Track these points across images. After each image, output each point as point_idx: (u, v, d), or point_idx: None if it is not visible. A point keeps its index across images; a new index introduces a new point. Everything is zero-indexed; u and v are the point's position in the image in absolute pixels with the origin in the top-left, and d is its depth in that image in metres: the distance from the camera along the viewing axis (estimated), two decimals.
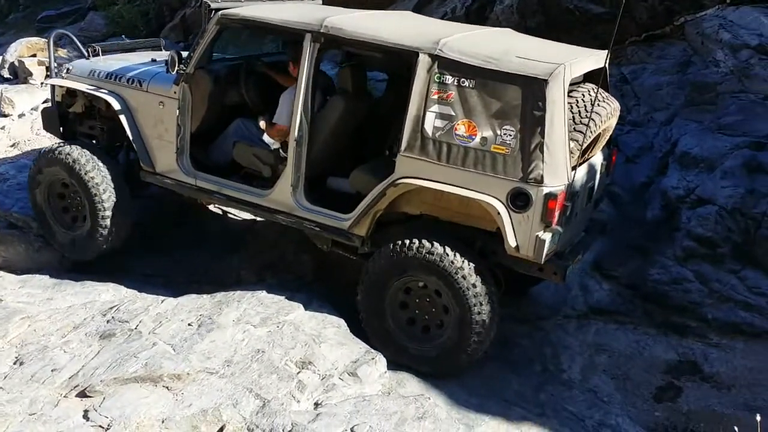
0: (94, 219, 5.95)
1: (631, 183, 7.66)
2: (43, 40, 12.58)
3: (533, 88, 4.54)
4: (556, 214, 4.62)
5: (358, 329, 5.29)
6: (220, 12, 5.52)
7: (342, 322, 5.23)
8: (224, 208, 7.36)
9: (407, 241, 5.00)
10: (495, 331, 5.10)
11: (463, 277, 4.87)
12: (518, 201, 4.64)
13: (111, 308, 5.25)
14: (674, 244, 6.61)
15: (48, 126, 6.57)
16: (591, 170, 5.33)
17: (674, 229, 6.73)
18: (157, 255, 6.69)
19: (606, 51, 4.80)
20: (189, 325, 4.98)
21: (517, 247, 4.72)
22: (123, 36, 7.52)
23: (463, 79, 4.71)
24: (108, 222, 5.96)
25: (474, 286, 4.88)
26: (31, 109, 9.68)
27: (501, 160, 4.65)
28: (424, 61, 4.81)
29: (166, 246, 6.79)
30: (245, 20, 5.50)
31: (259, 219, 7.39)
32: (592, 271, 6.69)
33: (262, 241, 6.85)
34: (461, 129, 4.73)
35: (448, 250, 4.90)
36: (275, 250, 6.67)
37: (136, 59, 6.41)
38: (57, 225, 6.22)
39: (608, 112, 5.08)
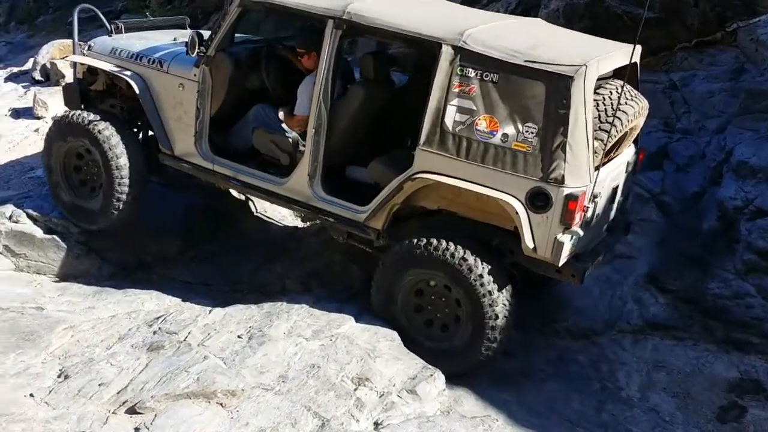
0: (108, 192, 5.89)
1: (682, 192, 7.41)
2: None
3: (558, 85, 4.38)
4: (576, 216, 4.49)
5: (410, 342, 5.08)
6: None
7: (395, 335, 5.01)
8: (267, 216, 7.20)
9: (422, 239, 4.88)
10: (510, 331, 4.97)
11: (477, 277, 4.75)
12: (537, 201, 4.51)
13: (157, 318, 5.07)
14: (734, 257, 6.34)
15: (69, 102, 6.42)
16: (615, 170, 5.15)
17: (733, 241, 6.47)
18: (199, 263, 6.54)
19: (637, 45, 4.62)
20: (239, 337, 4.79)
21: (534, 248, 4.59)
22: (148, 14, 7.30)
23: (486, 73, 4.56)
24: (121, 204, 5.90)
25: (488, 286, 4.75)
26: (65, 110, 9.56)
27: (521, 158, 4.51)
28: (446, 52, 4.65)
29: (207, 254, 6.65)
30: (267, 3, 5.34)
31: (301, 225, 7.24)
32: (647, 284, 6.44)
33: (306, 249, 6.67)
34: (482, 124, 4.59)
35: (462, 249, 4.78)
36: (320, 258, 6.48)
37: (159, 38, 6.30)
38: (68, 189, 6.17)
39: (636, 111, 4.91)
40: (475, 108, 4.60)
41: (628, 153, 5.42)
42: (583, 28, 8.86)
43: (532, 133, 4.47)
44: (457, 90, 4.63)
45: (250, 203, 7.28)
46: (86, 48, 6.25)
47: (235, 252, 6.71)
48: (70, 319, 5.11)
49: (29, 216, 6.26)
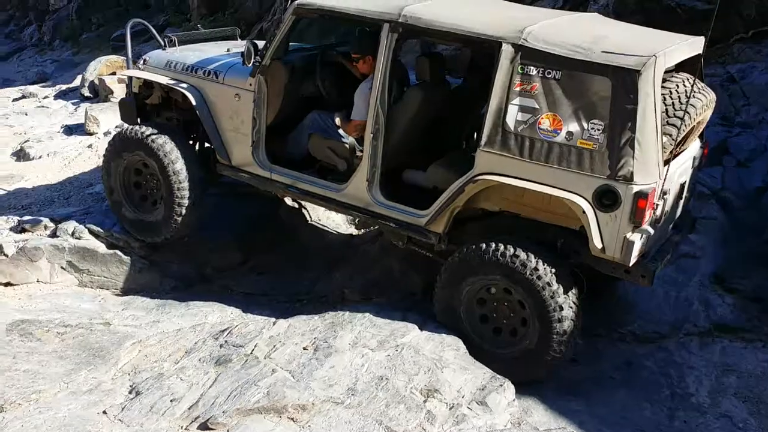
0: (169, 203, 5.94)
1: (744, 188, 7.24)
2: (122, 58, 12.70)
3: (624, 80, 4.26)
4: (647, 213, 4.36)
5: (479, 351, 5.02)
6: (296, 2, 5.38)
7: (460, 343, 4.95)
8: (322, 224, 7.20)
9: (486, 244, 4.81)
10: (578, 336, 4.89)
11: (542, 280, 4.65)
12: (605, 199, 4.39)
13: (222, 331, 5.07)
14: None
15: (125, 117, 6.50)
16: (683, 165, 5.02)
17: None
18: (258, 274, 6.58)
19: (702, 37, 4.64)
20: (304, 349, 4.77)
21: (603, 249, 4.48)
22: (199, 25, 7.36)
23: (548, 70, 4.46)
24: (183, 209, 5.94)
25: (553, 289, 4.65)
26: (116, 126, 9.68)
27: (588, 156, 4.40)
28: (507, 51, 4.57)
29: (265, 264, 6.68)
30: (322, 10, 5.34)
31: (356, 234, 7.22)
32: (713, 284, 6.29)
33: (364, 257, 6.65)
34: (545, 123, 4.49)
35: (527, 253, 4.70)
36: (378, 266, 6.46)
37: (212, 50, 6.34)
38: (130, 206, 6.24)
39: (704, 104, 4.80)
40: (537, 106, 4.51)
41: (694, 148, 5.29)
42: (634, 23, 8.78)
43: (599, 129, 4.36)
44: (518, 89, 4.55)
45: (304, 211, 7.29)
46: (141, 62, 6.33)
47: (292, 262, 6.72)
48: (137, 334, 5.15)
49: (91, 232, 6.34)
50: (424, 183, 5.35)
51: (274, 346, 4.82)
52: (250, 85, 5.62)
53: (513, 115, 4.58)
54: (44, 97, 12.59)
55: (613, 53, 4.34)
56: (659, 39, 4.81)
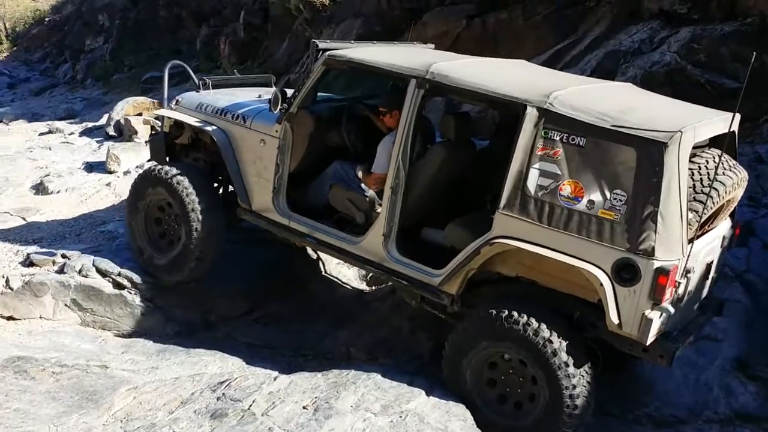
0: (187, 243, 5.92)
1: None
2: (149, 99, 12.83)
3: (650, 152, 4.15)
4: (667, 291, 4.19)
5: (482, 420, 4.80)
6: (327, 53, 5.41)
7: (468, 414, 4.73)
8: (334, 276, 7.06)
9: (498, 309, 4.67)
10: (591, 412, 4.66)
11: (555, 353, 4.49)
12: (624, 273, 4.23)
13: (221, 383, 4.89)
14: None
15: (154, 155, 6.58)
16: (710, 244, 4.83)
17: None
18: (264, 324, 6.41)
19: (738, 114, 4.42)
20: (304, 408, 4.57)
21: (619, 324, 4.31)
22: (235, 71, 7.50)
23: (572, 137, 4.37)
24: (201, 249, 5.92)
25: (567, 364, 4.50)
26: (137, 166, 9.71)
27: (608, 227, 4.26)
28: (531, 114, 4.49)
29: (273, 315, 6.53)
30: (352, 62, 5.34)
31: (368, 290, 7.06)
32: (735, 369, 6.02)
33: (373, 315, 6.48)
34: (567, 189, 4.38)
35: (539, 321, 4.55)
36: (387, 325, 6.29)
37: (244, 95, 6.38)
38: (148, 245, 6.23)
39: (734, 182, 4.65)
40: (559, 172, 4.41)
41: (724, 226, 5.12)
42: None
43: (621, 200, 4.24)
44: (541, 153, 4.46)
45: (320, 263, 7.16)
46: (174, 103, 6.42)
47: (300, 315, 6.56)
48: (134, 380, 4.99)
49: (98, 270, 6.25)
50: (442, 242, 5.23)
51: (273, 402, 4.63)
52: (276, 131, 5.63)
53: (534, 180, 4.48)
54: (70, 134, 12.72)
55: (640, 124, 4.25)
56: (690, 113, 4.71)
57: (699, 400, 5.76)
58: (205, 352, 5.68)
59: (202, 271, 6.13)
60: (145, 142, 10.44)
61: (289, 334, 6.30)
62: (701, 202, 4.36)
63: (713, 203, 4.46)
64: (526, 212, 4.51)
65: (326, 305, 6.75)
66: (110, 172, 9.72)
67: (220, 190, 6.42)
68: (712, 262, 4.98)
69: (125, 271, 6.23)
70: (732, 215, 5.28)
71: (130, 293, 6.17)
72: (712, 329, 6.27)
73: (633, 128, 4.23)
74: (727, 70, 8.21)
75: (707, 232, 4.78)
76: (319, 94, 5.92)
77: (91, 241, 6.78)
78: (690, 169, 4.38)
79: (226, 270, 6.61)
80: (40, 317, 6.04)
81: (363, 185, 5.60)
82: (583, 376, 4.56)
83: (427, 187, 5.30)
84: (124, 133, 11.50)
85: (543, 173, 4.46)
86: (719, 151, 4.58)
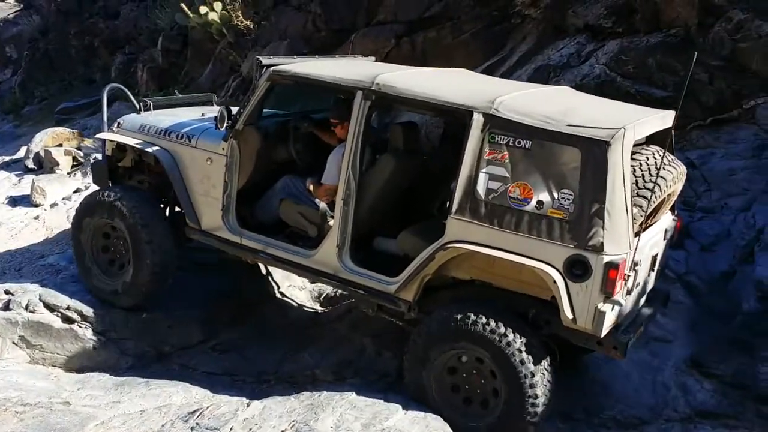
0: (137, 265, 5.88)
1: (709, 273, 7.23)
2: (69, 130, 12.43)
3: (594, 151, 4.31)
4: (618, 284, 4.35)
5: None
6: (271, 68, 5.42)
7: (447, 427, 4.72)
8: (287, 298, 6.95)
9: (454, 313, 4.76)
10: (550, 407, 4.78)
11: (513, 351, 4.59)
12: (576, 269, 4.37)
13: (192, 413, 4.72)
14: None
15: (97, 180, 6.52)
16: (654, 237, 5.05)
17: None
18: (221, 352, 6.25)
19: (673, 111, 4.77)
20: None
21: (574, 319, 4.44)
22: (176, 90, 7.44)
23: (518, 140, 4.50)
24: (151, 270, 5.87)
25: (524, 359, 4.59)
26: (63, 198, 9.40)
27: (558, 226, 4.40)
28: (478, 120, 4.61)
29: (228, 342, 6.36)
30: (296, 77, 5.38)
31: (322, 310, 6.98)
32: (689, 368, 6.18)
33: (333, 336, 6.38)
34: (515, 191, 4.51)
35: (496, 322, 4.64)
36: (349, 344, 6.20)
37: (187, 114, 6.33)
38: (98, 272, 6.15)
39: (674, 176, 4.88)
40: (507, 175, 4.52)
41: (665, 220, 5.35)
42: None
43: (568, 199, 4.37)
44: (488, 157, 4.58)
45: (272, 286, 7.04)
46: (115, 126, 6.30)
47: (257, 340, 6.42)
48: (99, 415, 4.75)
49: (46, 305, 5.99)
50: (395, 250, 5.29)
51: (251, 429, 4.51)
52: (223, 149, 5.60)
53: (483, 183, 4.59)
54: None
55: (583, 124, 4.39)
56: (629, 112, 4.90)
57: (659, 401, 5.90)
58: (166, 383, 5.48)
59: (155, 292, 6.05)
60: (68, 173, 10.18)
61: (248, 361, 6.15)
62: (644, 197, 4.51)
63: (656, 197, 4.62)
64: (478, 216, 4.60)
65: (282, 328, 6.63)
66: (36, 205, 9.33)
67: (167, 212, 6.30)
68: (656, 255, 5.17)
69: (74, 304, 5.99)
70: (672, 209, 5.49)
71: (80, 327, 5.92)
72: (661, 331, 6.46)
73: (576, 129, 4.37)
74: (654, 80, 8.47)
75: (651, 225, 4.96)
76: (264, 110, 5.88)
77: (34, 276, 6.47)
78: (632, 165, 4.54)
79: (175, 299, 6.44)
80: None
81: (314, 198, 5.58)
82: (541, 369, 4.65)
83: (378, 196, 5.34)
84: (44, 165, 11.07)
85: (492, 177, 4.56)
86: (659, 148, 4.82)
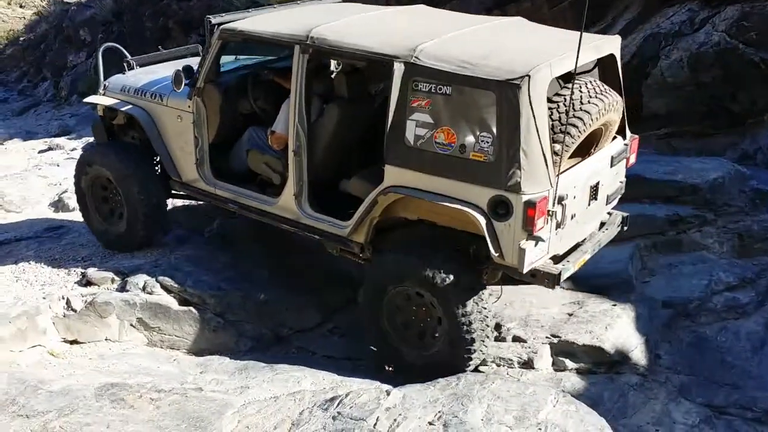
0: (130, 214, 6.23)
1: None
2: None
3: (507, 94, 4.41)
4: (538, 222, 4.51)
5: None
6: (221, 27, 5.61)
7: (603, 422, 4.35)
8: None
9: (394, 253, 5.04)
10: (491, 337, 5.11)
11: (448, 287, 4.76)
12: (499, 209, 4.55)
13: (330, 401, 4.47)
14: None
15: (97, 137, 6.90)
16: (592, 167, 5.11)
17: None
18: (339, 336, 6.05)
19: (618, 36, 5.12)
20: (430, 424, 4.17)
21: (501, 256, 4.63)
22: (159, 47, 7.36)
23: (439, 86, 4.62)
24: (140, 222, 6.23)
25: (457, 294, 4.79)
26: None
27: (480, 168, 4.56)
28: (399, 69, 4.75)
29: (346, 325, 6.14)
30: (243, 34, 5.57)
31: None
32: None
33: None
34: (441, 137, 4.66)
35: (436, 257, 4.84)
36: None
37: (165, 71, 6.35)
38: (96, 215, 6.57)
39: (603, 107, 4.87)
40: (432, 121, 4.67)
41: (611, 148, 5.35)
42: (711, 78, 8.45)
43: (488, 142, 4.52)
44: (414, 105, 4.71)
45: None
46: (102, 88, 6.60)
47: None
48: (233, 402, 4.53)
49: (163, 286, 5.84)
50: (353, 193, 5.42)
51: (395, 420, 4.22)
52: (189, 107, 5.87)
53: (411, 131, 4.74)
54: (72, 149, 12.29)
55: (497, 67, 4.48)
56: (561, 45, 4.81)
57: None
58: (290, 367, 5.23)
59: (151, 237, 6.43)
60: None
61: (366, 346, 5.87)
62: (568, 133, 4.61)
63: (580, 132, 4.73)
64: (409, 162, 4.77)
65: None
66: None
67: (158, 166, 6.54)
68: (598, 184, 5.19)
69: (192, 285, 5.83)
70: (623, 133, 5.48)
71: (198, 309, 5.76)
72: None
73: (489, 73, 4.45)
74: None
75: (589, 156, 5.06)
76: (230, 60, 6.26)
77: (146, 256, 6.32)
78: (555, 102, 4.68)
79: (292, 283, 6.29)
80: (106, 339, 5.62)
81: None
82: (474, 302, 4.82)
83: (331, 144, 5.48)
84: None
85: (418, 124, 4.71)
86: (591, 78, 4.96)
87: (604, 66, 5.25)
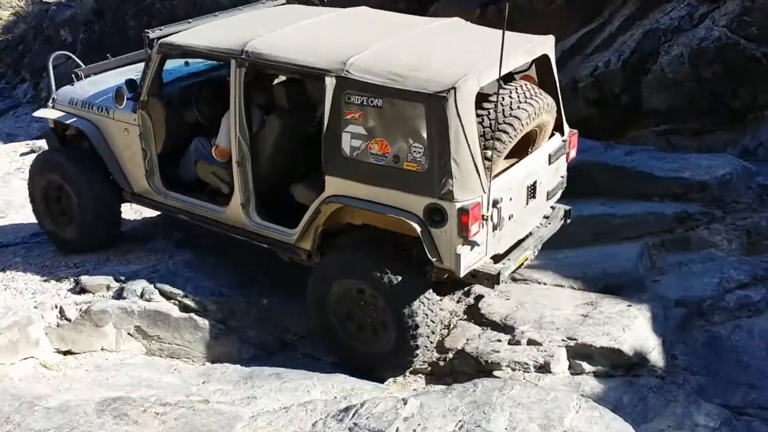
0: (81, 218, 6.26)
1: None
2: None
3: (434, 105, 4.52)
4: (471, 227, 4.63)
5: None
6: (159, 41, 5.61)
7: (629, 428, 4.19)
8: None
9: (339, 255, 5.18)
10: (437, 336, 5.27)
11: (392, 288, 4.88)
12: (434, 216, 4.68)
13: (344, 410, 4.26)
14: None
15: (50, 146, 6.89)
16: (529, 168, 5.23)
17: None
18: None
19: (551, 36, 5.23)
20: None
21: (439, 260, 4.78)
22: (108, 55, 7.13)
23: (371, 99, 4.72)
24: (87, 227, 6.28)
25: (401, 295, 4.90)
26: None
27: (414, 177, 4.69)
28: (331, 83, 4.83)
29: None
30: (181, 47, 5.61)
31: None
32: None
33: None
34: (375, 148, 4.76)
35: (377, 261, 4.97)
36: None
37: (115, 81, 6.25)
38: (49, 219, 6.58)
39: (534, 110, 4.94)
40: (366, 133, 4.77)
41: (548, 146, 5.44)
42: (712, 74, 8.36)
43: (420, 152, 4.64)
44: (348, 117, 4.80)
45: None
46: (51, 101, 6.52)
47: None
48: (242, 414, 4.32)
49: (162, 293, 5.64)
50: (299, 200, 5.45)
51: (414, 430, 4.02)
52: (134, 120, 5.86)
53: (347, 142, 4.84)
54: None
55: (426, 79, 4.58)
56: (489, 52, 4.70)
57: None
58: (298, 374, 5.07)
59: (96, 243, 6.42)
60: None
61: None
62: (499, 139, 4.72)
63: (511, 137, 4.82)
64: (347, 172, 4.89)
65: None
66: None
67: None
68: (535, 182, 5.29)
69: (192, 291, 5.65)
70: (560, 130, 5.54)
71: (199, 316, 5.56)
72: None
73: (417, 85, 4.56)
74: None
75: (524, 158, 5.18)
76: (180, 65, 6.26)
77: (144, 261, 6.13)
78: (486, 108, 4.75)
79: (296, 287, 6.02)
80: (102, 349, 5.41)
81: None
82: (422, 305, 4.94)
83: (273, 155, 5.52)
84: None
85: (353, 135, 4.81)
86: (524, 82, 5.05)
87: (539, 66, 5.33)
